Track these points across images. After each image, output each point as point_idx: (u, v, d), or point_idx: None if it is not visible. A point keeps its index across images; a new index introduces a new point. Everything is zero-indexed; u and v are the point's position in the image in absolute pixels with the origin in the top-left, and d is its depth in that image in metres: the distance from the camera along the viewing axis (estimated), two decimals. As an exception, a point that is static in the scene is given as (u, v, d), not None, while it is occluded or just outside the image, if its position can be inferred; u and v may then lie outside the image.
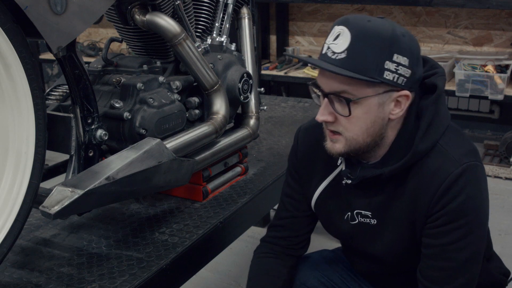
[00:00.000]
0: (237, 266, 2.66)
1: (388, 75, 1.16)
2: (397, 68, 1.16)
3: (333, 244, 1.54)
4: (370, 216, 1.32)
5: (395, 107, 1.21)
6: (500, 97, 3.46)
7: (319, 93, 1.24)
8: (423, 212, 1.22)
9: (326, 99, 1.21)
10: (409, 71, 1.18)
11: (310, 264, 1.57)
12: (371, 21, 1.16)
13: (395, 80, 1.17)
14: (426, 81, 1.26)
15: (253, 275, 1.49)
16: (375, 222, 1.32)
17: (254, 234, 2.87)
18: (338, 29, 1.17)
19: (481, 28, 3.89)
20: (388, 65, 1.15)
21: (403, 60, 1.17)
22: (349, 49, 1.14)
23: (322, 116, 1.22)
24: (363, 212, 1.33)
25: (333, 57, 1.16)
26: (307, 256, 1.61)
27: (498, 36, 3.86)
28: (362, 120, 1.20)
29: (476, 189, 1.20)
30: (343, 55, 1.15)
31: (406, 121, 1.24)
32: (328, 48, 1.18)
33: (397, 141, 1.25)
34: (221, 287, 2.52)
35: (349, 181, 1.31)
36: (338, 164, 1.36)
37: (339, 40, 1.16)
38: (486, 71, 3.49)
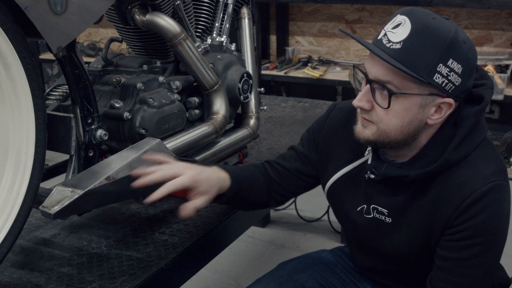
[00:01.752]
0: (237, 266, 2.66)
1: (437, 78, 1.12)
2: (448, 73, 1.12)
3: (332, 244, 1.54)
4: (386, 214, 1.30)
5: (435, 112, 1.18)
6: (500, 97, 3.46)
7: (361, 78, 1.21)
8: (443, 222, 1.20)
9: (368, 86, 1.17)
10: (460, 80, 1.14)
11: (309, 265, 1.56)
12: (436, 19, 1.13)
13: (443, 85, 1.13)
14: (473, 91, 1.22)
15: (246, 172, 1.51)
16: (390, 221, 1.30)
17: (254, 234, 2.88)
18: (400, 18, 1.13)
19: (481, 28, 3.90)
20: (441, 68, 1.11)
21: (457, 67, 1.13)
22: (405, 41, 1.11)
23: (359, 102, 1.19)
24: (379, 208, 1.31)
25: (388, 45, 1.13)
26: (305, 256, 1.60)
27: (498, 36, 3.86)
28: (399, 117, 1.17)
29: (500, 208, 1.18)
30: (397, 46, 1.11)
31: (442, 127, 1.21)
32: (385, 35, 1.14)
33: (429, 145, 1.22)
34: (221, 287, 2.52)
35: (373, 176, 1.29)
36: (364, 154, 1.34)
37: (398, 30, 1.12)
38: (486, 71, 3.49)
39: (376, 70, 1.15)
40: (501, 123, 3.99)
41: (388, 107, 1.15)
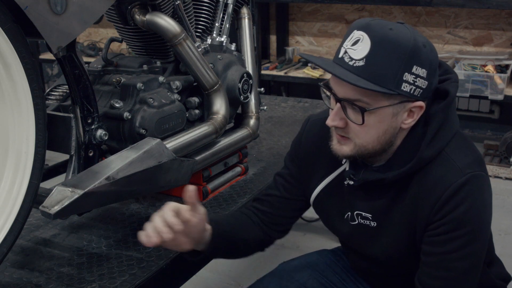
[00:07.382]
0: (237, 266, 2.66)
1: (405, 87, 1.13)
2: (415, 80, 1.13)
3: (332, 244, 1.54)
4: (371, 218, 1.31)
5: (408, 117, 1.19)
6: (500, 97, 3.46)
7: (330, 95, 1.21)
8: (424, 219, 1.21)
9: (338, 104, 1.18)
10: (426, 82, 1.15)
11: (310, 265, 1.56)
12: (393, 29, 1.12)
13: (412, 91, 1.14)
14: (439, 86, 1.23)
15: (227, 216, 1.46)
16: (375, 225, 1.31)
17: (254, 234, 2.87)
18: (357, 34, 1.13)
19: (481, 28, 3.90)
20: (407, 76, 1.12)
21: (422, 72, 1.13)
22: (368, 58, 1.11)
23: (333, 121, 1.19)
24: (363, 213, 1.32)
25: (351, 63, 1.12)
26: (306, 256, 1.61)
27: (498, 36, 3.86)
28: (374, 129, 1.17)
29: (478, 199, 1.18)
30: (361, 63, 1.11)
31: (414, 127, 1.22)
32: (346, 52, 1.14)
33: (403, 146, 1.23)
34: (221, 287, 2.52)
35: (351, 182, 1.30)
36: (342, 162, 1.34)
37: (358, 46, 1.12)
38: (486, 71, 3.49)
39: (344, 89, 1.15)
40: (501, 123, 3.99)
41: (363, 123, 1.16)
